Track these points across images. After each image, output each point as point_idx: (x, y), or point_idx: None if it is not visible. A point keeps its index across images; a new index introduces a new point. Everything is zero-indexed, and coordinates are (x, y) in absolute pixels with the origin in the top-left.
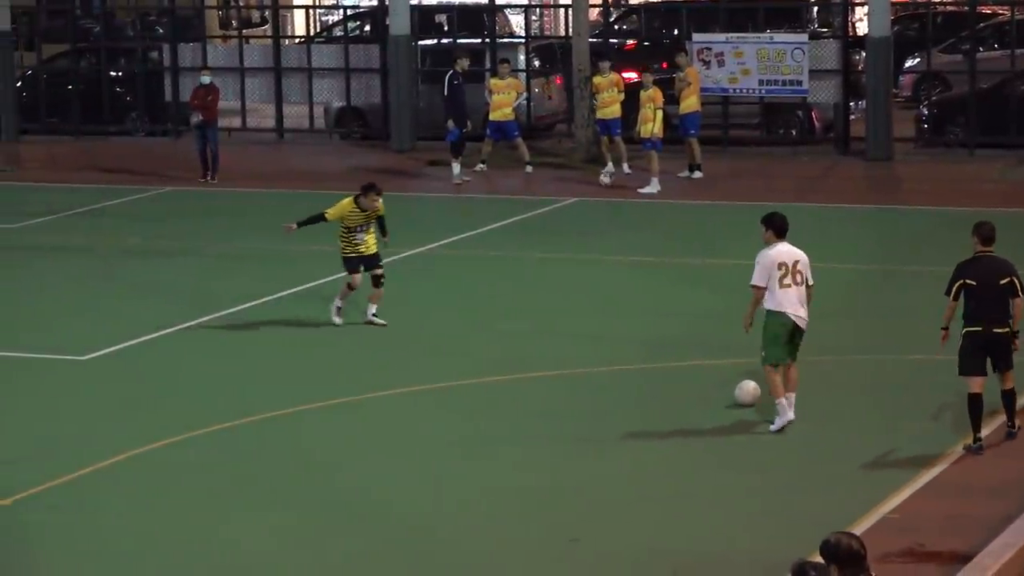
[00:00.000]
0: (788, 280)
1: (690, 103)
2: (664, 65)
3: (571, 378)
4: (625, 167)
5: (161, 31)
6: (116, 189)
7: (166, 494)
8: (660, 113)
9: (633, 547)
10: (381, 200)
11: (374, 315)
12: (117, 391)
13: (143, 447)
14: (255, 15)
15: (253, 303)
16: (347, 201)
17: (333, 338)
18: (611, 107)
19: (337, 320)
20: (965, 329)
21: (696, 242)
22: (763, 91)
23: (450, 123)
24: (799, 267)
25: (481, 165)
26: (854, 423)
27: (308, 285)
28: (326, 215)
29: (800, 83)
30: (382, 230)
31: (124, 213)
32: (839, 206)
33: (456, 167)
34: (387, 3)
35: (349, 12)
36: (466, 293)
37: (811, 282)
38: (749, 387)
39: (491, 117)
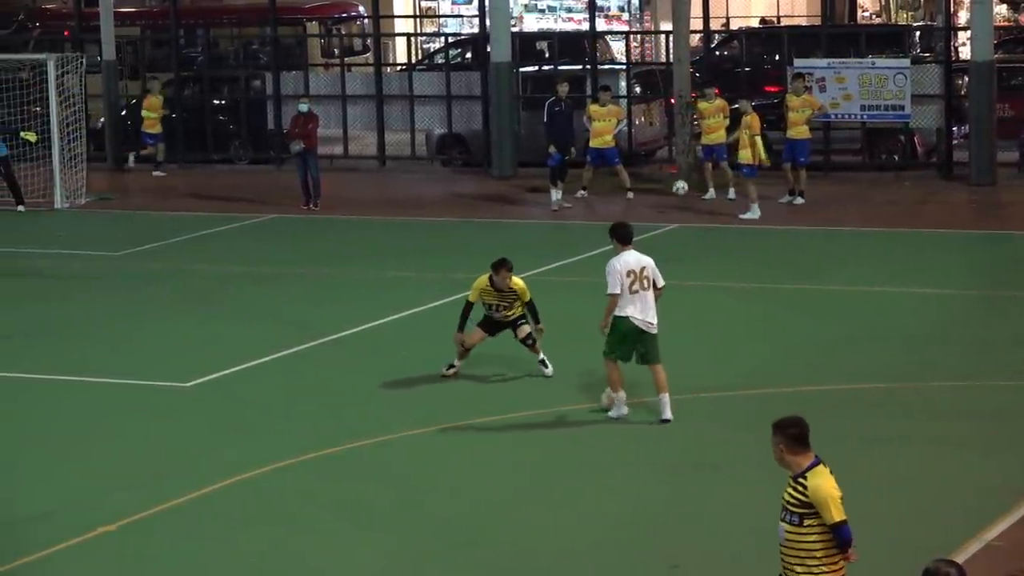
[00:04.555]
0: (636, 286)
1: (802, 131)
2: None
3: (671, 403)
4: (731, 193)
5: (264, 59)
6: (219, 217)
7: (271, 519)
8: (758, 139)
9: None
10: (515, 278)
11: (541, 360)
12: (220, 417)
13: (247, 473)
14: (357, 43)
15: (357, 329)
16: (482, 279)
17: (438, 364)
18: (717, 133)
19: (444, 372)
20: None
21: (797, 268)
22: (865, 116)
23: (552, 148)
24: (646, 272)
25: (582, 192)
26: (957, 449)
27: (412, 311)
28: (468, 299)
29: (902, 108)
30: (534, 318)
31: (227, 240)
32: (942, 231)
33: (555, 193)
34: (488, 30)
35: (450, 40)
36: (567, 319)
37: (660, 284)
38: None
39: (591, 144)
